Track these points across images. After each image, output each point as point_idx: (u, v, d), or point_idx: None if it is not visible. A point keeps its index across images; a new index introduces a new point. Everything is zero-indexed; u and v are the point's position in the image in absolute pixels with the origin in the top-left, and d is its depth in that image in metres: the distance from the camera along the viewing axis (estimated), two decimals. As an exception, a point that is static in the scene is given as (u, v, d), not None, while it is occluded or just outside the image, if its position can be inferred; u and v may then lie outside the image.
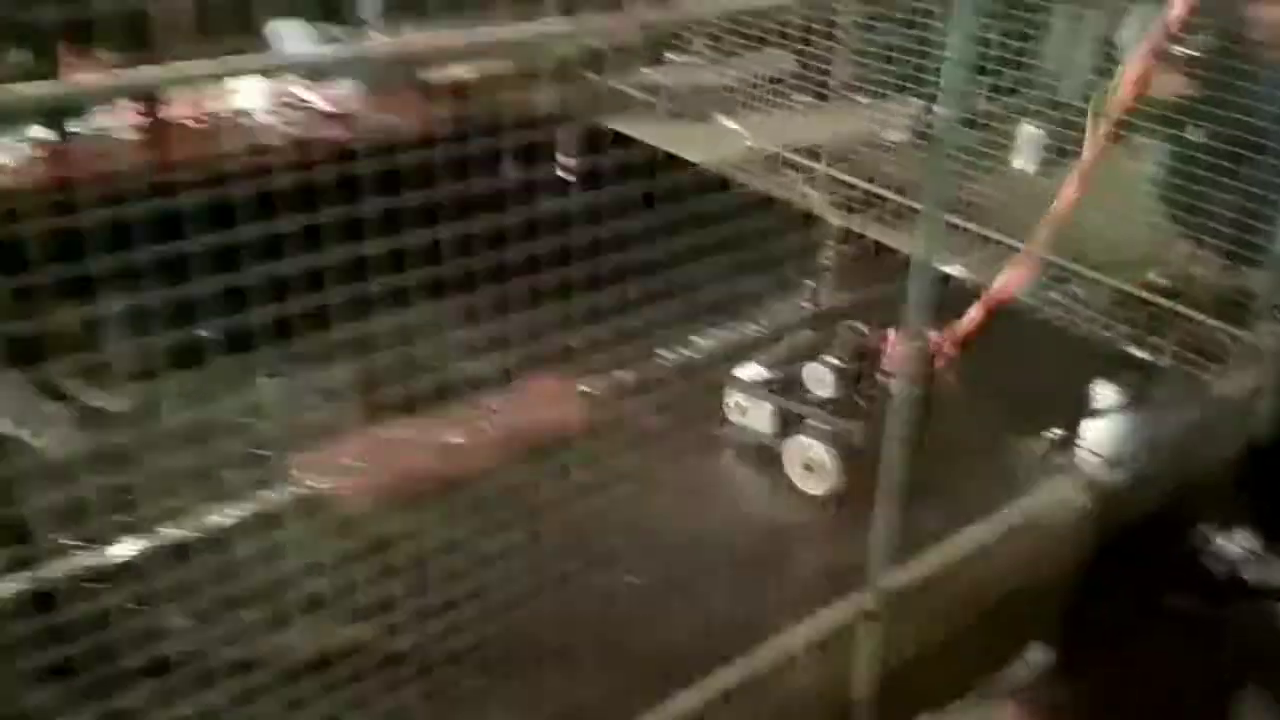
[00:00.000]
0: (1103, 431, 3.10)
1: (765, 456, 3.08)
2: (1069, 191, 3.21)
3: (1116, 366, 3.59)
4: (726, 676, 2.21)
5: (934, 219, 2.05)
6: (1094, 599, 3.07)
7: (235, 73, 1.49)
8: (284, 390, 3.14)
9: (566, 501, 2.58)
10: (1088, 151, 3.21)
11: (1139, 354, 3.63)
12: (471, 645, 2.04)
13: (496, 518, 2.17)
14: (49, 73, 4.06)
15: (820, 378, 3.07)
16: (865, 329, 3.16)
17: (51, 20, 3.49)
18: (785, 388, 3.13)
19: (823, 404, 3.05)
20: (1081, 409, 3.17)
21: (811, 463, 3.00)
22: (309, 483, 3.30)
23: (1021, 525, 2.81)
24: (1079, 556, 2.98)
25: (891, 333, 2.99)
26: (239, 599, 1.76)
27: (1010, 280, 3.28)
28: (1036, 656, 2.98)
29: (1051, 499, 2.92)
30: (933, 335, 3.05)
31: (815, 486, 3.00)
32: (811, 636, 2.32)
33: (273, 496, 3.22)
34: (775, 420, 3.12)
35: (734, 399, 3.20)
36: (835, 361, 3.07)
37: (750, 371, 3.21)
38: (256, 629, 1.84)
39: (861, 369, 3.09)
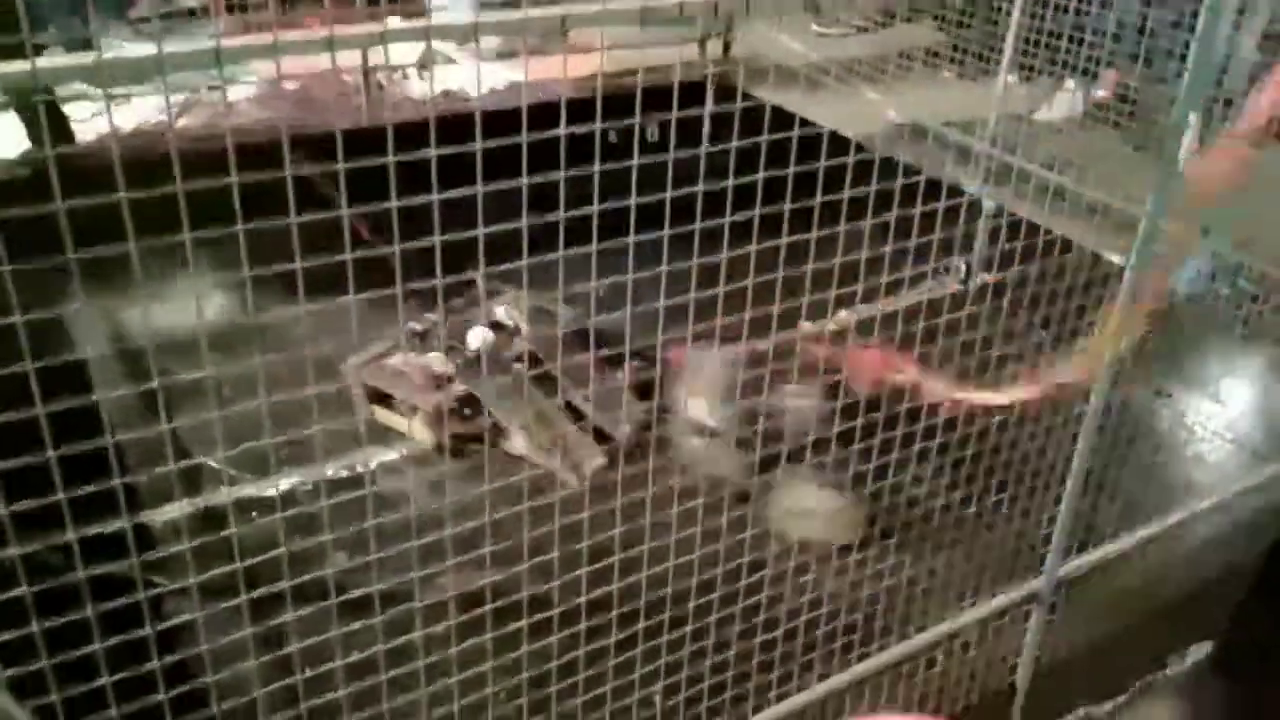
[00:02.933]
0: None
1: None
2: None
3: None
4: (896, 650, 2.21)
5: (1156, 223, 1.98)
6: (1260, 602, 2.98)
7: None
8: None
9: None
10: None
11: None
12: (618, 598, 2.01)
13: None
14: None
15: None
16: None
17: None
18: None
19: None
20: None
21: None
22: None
23: (1193, 523, 2.73)
24: (1249, 557, 2.88)
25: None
26: (396, 535, 1.76)
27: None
28: (1197, 657, 2.91)
29: (1224, 497, 2.82)
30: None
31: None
32: (983, 616, 2.29)
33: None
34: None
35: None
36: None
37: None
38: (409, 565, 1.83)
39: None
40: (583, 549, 1.80)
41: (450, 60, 4.63)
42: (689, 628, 2.04)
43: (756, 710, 2.13)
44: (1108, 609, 2.63)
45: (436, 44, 1.54)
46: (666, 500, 1.93)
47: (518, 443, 3.15)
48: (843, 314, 3.73)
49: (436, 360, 3.40)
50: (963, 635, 2.31)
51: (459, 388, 3.28)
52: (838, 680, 2.17)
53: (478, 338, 3.45)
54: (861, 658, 2.20)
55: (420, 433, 3.25)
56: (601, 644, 1.90)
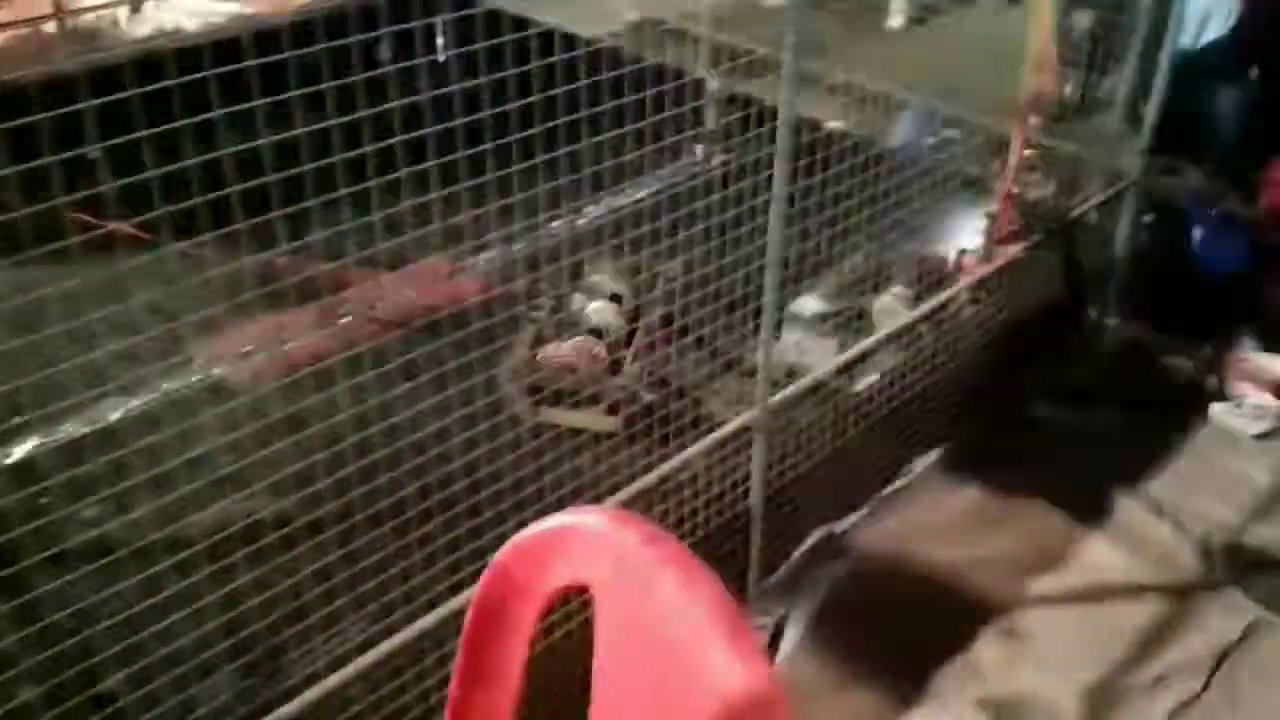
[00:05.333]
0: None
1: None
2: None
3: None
4: (627, 489, 2.35)
5: (794, 66, 2.15)
6: (970, 410, 3.28)
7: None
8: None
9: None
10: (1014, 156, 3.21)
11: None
12: (386, 508, 2.09)
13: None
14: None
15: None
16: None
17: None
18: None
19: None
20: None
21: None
22: (211, 369, 3.32)
23: (898, 340, 2.98)
24: (956, 368, 3.16)
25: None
26: (148, 485, 1.77)
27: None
28: (919, 468, 3.19)
29: (926, 313, 3.07)
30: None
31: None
32: (706, 448, 2.46)
33: (177, 384, 3.25)
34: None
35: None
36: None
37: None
38: (167, 511, 1.86)
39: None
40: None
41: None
42: (438, 496, 2.14)
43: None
44: (829, 428, 2.85)
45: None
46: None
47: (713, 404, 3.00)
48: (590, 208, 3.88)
49: (589, 343, 3.24)
50: (690, 468, 2.48)
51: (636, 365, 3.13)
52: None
53: (602, 313, 3.33)
54: (596, 500, 2.34)
55: (602, 422, 3.04)
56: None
